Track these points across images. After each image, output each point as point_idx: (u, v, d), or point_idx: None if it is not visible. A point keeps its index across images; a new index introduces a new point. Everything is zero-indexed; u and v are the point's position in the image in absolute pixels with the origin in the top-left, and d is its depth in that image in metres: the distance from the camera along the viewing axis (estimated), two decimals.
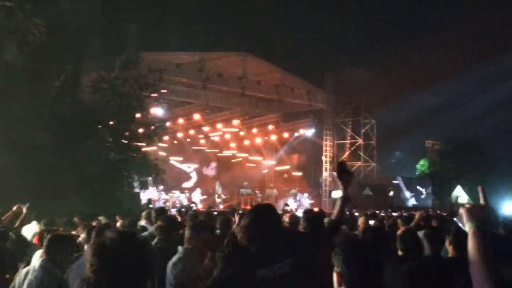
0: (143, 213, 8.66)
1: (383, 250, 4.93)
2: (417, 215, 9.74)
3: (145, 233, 7.44)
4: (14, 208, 7.55)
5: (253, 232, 3.44)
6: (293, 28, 29.76)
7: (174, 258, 4.86)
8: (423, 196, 30.83)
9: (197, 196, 29.54)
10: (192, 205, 26.57)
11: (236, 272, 3.42)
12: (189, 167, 33.31)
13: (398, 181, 31.09)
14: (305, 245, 3.53)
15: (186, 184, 31.54)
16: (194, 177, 32.72)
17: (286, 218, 8.45)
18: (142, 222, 8.32)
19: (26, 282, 4.36)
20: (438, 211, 21.64)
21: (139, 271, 2.46)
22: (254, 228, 3.44)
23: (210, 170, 34.05)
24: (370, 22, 30.89)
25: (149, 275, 2.55)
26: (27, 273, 4.46)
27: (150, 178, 19.79)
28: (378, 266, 2.64)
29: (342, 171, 4.03)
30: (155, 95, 21.17)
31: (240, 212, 11.10)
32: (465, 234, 2.38)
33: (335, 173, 4.03)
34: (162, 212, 7.98)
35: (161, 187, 26.51)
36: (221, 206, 28.33)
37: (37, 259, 4.75)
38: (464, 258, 2.33)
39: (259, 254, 3.37)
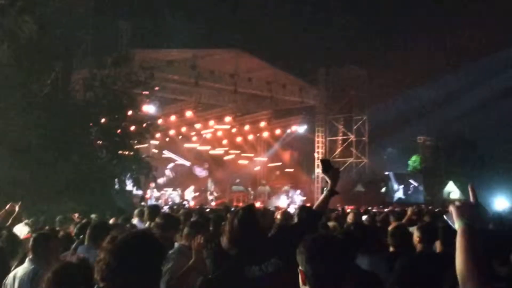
0: (135, 211, 8.66)
1: (363, 247, 4.96)
2: (409, 210, 9.79)
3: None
4: (7, 207, 7.53)
5: (236, 237, 3.53)
6: (285, 25, 29.72)
7: (169, 253, 4.89)
8: (412, 191, 30.89)
9: (190, 194, 29.51)
10: (185, 202, 26.59)
11: (226, 272, 3.47)
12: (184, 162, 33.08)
13: (389, 175, 31.19)
14: (291, 241, 3.56)
15: (159, 181, 31.01)
16: (169, 175, 32.31)
17: (278, 215, 8.48)
18: (134, 220, 8.32)
19: (17, 282, 4.45)
20: (430, 207, 21.79)
21: (158, 270, 2.49)
22: (236, 233, 3.53)
23: (201, 172, 33.90)
24: (362, 19, 30.92)
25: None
26: (15, 274, 4.59)
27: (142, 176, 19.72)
28: (344, 264, 2.59)
29: (328, 167, 4.04)
30: (147, 92, 21.11)
31: (232, 210, 11.11)
32: (454, 230, 2.38)
33: (320, 170, 4.05)
34: (155, 210, 7.97)
35: (153, 185, 26.44)
36: (213, 204, 28.34)
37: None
38: (453, 254, 2.32)
39: (245, 255, 3.44)
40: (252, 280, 3.31)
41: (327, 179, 4.00)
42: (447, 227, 5.91)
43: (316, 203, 4.13)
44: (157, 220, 6.22)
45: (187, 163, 33.30)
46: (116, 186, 17.92)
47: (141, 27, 23.39)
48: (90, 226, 5.53)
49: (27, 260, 4.76)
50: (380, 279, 4.30)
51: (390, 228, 6.22)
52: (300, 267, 2.55)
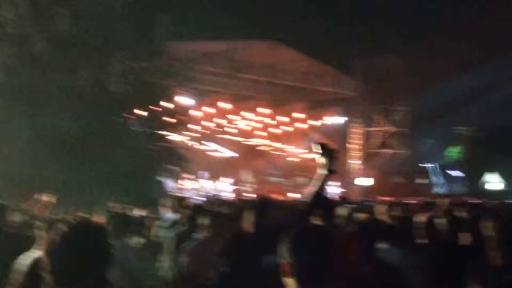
0: (165, 202, 8.69)
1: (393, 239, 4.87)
2: (445, 202, 9.57)
3: (170, 221, 7.49)
4: (43, 197, 7.64)
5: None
6: (320, 15, 29.49)
7: (191, 244, 4.88)
8: (452, 183, 30.36)
9: (225, 185, 29.56)
10: (219, 193, 26.66)
11: (243, 260, 3.48)
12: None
13: (428, 167, 30.71)
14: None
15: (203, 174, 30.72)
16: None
17: None
18: (164, 211, 8.34)
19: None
20: (469, 198, 21.35)
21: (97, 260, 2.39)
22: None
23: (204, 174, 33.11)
24: (400, 6, 30.38)
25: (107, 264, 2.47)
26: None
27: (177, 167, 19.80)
28: (329, 255, 2.51)
29: (323, 148, 3.92)
30: (183, 84, 21.21)
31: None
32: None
33: (317, 151, 3.88)
34: (184, 201, 7.99)
35: (190, 176, 26.56)
36: (249, 194, 28.36)
37: None
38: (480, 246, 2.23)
39: (259, 244, 3.44)
40: (264, 269, 3.34)
41: (323, 160, 3.86)
42: (475, 218, 5.80)
43: (314, 184, 3.99)
44: (185, 211, 6.26)
45: (229, 153, 33.47)
46: (152, 178, 18.09)
47: (177, 19, 23.49)
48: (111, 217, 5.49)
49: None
50: (399, 271, 4.22)
51: (419, 219, 6.08)
52: (284, 258, 2.50)
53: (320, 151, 3.88)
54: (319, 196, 3.89)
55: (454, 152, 34.26)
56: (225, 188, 29.05)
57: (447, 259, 4.57)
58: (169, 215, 8.16)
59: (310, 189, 3.92)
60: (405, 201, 16.16)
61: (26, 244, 4.84)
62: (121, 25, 17.12)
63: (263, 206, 3.93)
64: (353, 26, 30.26)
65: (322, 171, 3.88)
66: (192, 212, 6.03)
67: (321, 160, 3.86)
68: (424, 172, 30.85)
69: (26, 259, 4.52)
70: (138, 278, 4.36)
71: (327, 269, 2.46)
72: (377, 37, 30.40)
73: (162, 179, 19.13)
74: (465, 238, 4.99)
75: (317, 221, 4.65)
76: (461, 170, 31.46)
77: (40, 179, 12.30)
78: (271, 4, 29.10)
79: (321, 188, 3.88)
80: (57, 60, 13.50)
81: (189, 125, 22.97)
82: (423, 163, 31.77)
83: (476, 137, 33.76)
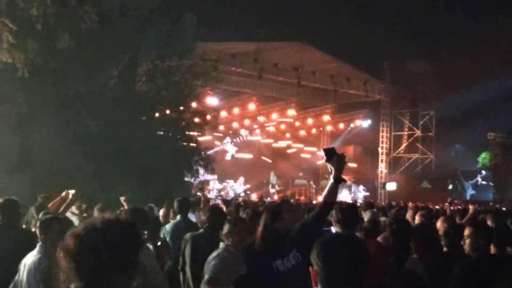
0: (188, 202, 8.65)
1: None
2: (471, 209, 9.35)
3: (190, 222, 7.46)
4: (63, 193, 7.67)
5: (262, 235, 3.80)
6: (350, 18, 29.29)
7: (214, 253, 4.77)
8: (480, 189, 29.82)
9: (239, 186, 29.20)
10: (242, 194, 26.59)
11: (257, 267, 3.49)
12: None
13: (456, 172, 30.26)
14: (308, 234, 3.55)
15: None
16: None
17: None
18: (186, 211, 8.30)
19: (26, 270, 4.39)
20: (498, 206, 20.98)
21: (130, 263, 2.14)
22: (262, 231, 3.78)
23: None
24: (429, 10, 30.03)
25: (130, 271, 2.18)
26: (25, 261, 4.48)
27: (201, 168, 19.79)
28: (359, 265, 2.44)
29: (331, 155, 3.83)
30: (209, 85, 21.27)
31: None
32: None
33: (324, 158, 3.82)
34: (206, 202, 7.95)
35: (214, 176, 26.54)
36: (275, 197, 28.27)
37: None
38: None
39: (270, 250, 3.46)
40: (278, 274, 3.38)
41: (330, 168, 3.80)
42: (501, 228, 5.63)
43: (323, 193, 3.96)
44: (202, 213, 6.19)
45: (254, 155, 33.40)
46: (178, 177, 18.14)
47: (205, 19, 23.56)
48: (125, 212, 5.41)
49: (37, 246, 4.56)
50: (424, 281, 4.10)
51: (444, 227, 5.94)
52: (314, 267, 2.45)
53: (326, 157, 3.81)
54: (327, 205, 3.82)
55: (482, 158, 33.67)
56: (248, 189, 28.96)
57: (479, 271, 4.38)
58: (190, 215, 8.15)
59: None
60: (432, 206, 15.94)
61: (37, 241, 4.87)
62: (150, 25, 17.24)
63: (276, 209, 3.89)
64: (382, 29, 30.04)
65: (330, 179, 3.82)
66: (213, 215, 5.95)
67: (328, 166, 3.82)
68: (451, 178, 30.36)
69: (35, 255, 4.55)
70: (149, 277, 4.30)
71: (357, 279, 2.39)
72: (407, 40, 30.09)
73: (186, 179, 19.19)
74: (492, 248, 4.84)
75: (338, 227, 4.60)
76: (489, 177, 30.89)
77: (64, 176, 12.41)
78: (301, 5, 29.07)
79: (328, 197, 3.80)
80: (83, 58, 13.61)
81: (215, 126, 22.96)
82: (450, 169, 31.28)
83: (505, 143, 33.14)
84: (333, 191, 3.84)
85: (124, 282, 2.10)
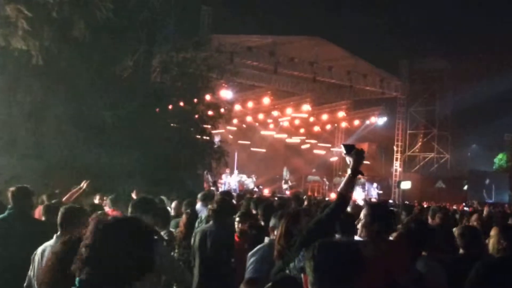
0: (199, 195, 8.57)
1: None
2: (485, 211, 9.19)
3: (200, 216, 7.36)
4: (82, 184, 7.63)
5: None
6: (367, 14, 29.00)
7: (256, 248, 4.73)
8: (496, 191, 29.42)
9: (262, 181, 29.03)
10: (256, 189, 26.46)
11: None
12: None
13: (472, 172, 29.93)
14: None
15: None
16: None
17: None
18: (198, 204, 8.23)
19: (44, 260, 4.25)
20: None
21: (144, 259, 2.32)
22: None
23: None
24: (446, 7, 29.64)
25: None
26: (44, 250, 4.36)
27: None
28: (352, 273, 2.23)
29: (350, 149, 3.80)
30: (224, 78, 21.13)
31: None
32: None
33: (343, 152, 3.77)
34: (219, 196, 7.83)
35: (227, 170, 26.43)
36: (288, 192, 28.11)
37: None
38: None
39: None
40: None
41: (349, 160, 3.76)
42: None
43: (340, 186, 3.88)
44: (211, 206, 6.13)
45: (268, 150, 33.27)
46: (189, 170, 18.05)
47: (222, 11, 23.45)
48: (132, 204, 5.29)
49: (55, 236, 4.48)
50: (436, 283, 3.94)
51: (458, 228, 5.77)
52: (307, 272, 2.26)
53: (345, 152, 3.81)
54: (344, 198, 3.74)
55: (499, 159, 33.27)
56: (262, 184, 28.83)
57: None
58: (201, 209, 8.04)
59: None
60: (447, 206, 15.72)
61: (51, 230, 4.77)
62: (169, 17, 17.17)
63: (296, 215, 3.97)
64: (401, 26, 29.75)
65: (348, 173, 3.81)
66: (222, 207, 5.86)
67: (347, 159, 3.80)
68: (467, 178, 30.01)
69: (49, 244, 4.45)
70: (164, 268, 4.23)
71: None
72: (425, 38, 29.76)
73: (198, 172, 19.10)
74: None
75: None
76: (505, 179, 30.49)
77: (76, 165, 12.38)
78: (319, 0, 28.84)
79: (345, 189, 3.74)
80: (99, 47, 13.55)
81: (229, 119, 22.82)
82: (466, 169, 30.95)
83: None
84: (350, 183, 3.78)
85: (135, 274, 2.29)
